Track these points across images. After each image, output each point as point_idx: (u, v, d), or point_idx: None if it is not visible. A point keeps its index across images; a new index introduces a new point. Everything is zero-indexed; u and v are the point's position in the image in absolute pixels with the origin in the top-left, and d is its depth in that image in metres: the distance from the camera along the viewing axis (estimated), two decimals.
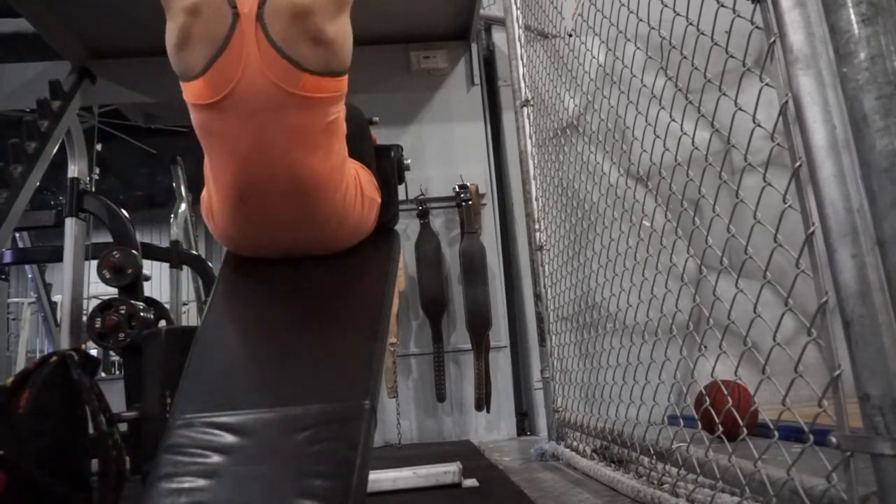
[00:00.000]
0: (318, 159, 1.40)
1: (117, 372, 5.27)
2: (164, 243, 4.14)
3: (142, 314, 2.47)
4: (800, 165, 0.92)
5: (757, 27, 1.04)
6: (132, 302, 2.48)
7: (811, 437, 0.98)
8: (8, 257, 3.79)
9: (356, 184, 1.55)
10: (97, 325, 2.41)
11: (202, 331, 1.41)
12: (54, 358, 1.60)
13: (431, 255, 3.44)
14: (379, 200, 1.67)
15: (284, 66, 1.30)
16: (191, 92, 1.35)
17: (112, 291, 2.62)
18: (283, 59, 1.30)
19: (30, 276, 6.24)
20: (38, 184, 2.83)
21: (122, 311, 2.44)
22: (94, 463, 1.65)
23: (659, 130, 1.60)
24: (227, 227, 1.48)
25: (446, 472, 2.01)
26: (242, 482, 1.07)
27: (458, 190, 3.49)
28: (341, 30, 1.37)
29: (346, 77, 1.42)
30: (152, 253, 3.72)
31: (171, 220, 4.09)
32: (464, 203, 3.44)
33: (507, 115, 3.70)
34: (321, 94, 1.36)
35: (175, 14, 1.32)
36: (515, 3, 3.04)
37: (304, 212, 1.45)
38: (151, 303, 2.67)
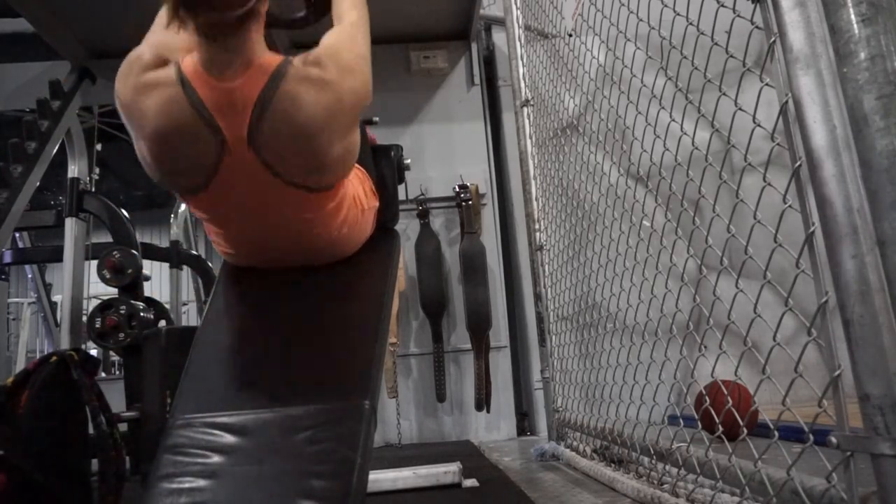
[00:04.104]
0: (321, 224, 1.37)
1: (117, 372, 5.27)
2: (164, 243, 4.14)
3: (142, 314, 2.47)
4: (800, 165, 0.92)
5: (757, 27, 1.04)
6: (132, 302, 2.49)
7: (811, 437, 0.98)
8: (8, 257, 3.79)
9: (356, 204, 1.47)
10: (97, 325, 2.41)
11: (202, 331, 1.40)
12: (54, 358, 1.60)
13: (431, 255, 3.44)
14: (377, 204, 1.63)
15: (285, 188, 1.21)
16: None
17: (112, 291, 2.62)
18: (285, 184, 1.20)
19: (30, 276, 6.25)
20: (38, 184, 2.83)
21: (122, 311, 2.44)
22: (94, 463, 1.65)
23: (659, 130, 1.60)
24: (226, 249, 1.46)
25: (446, 472, 2.01)
26: (242, 482, 1.07)
27: (458, 190, 3.49)
28: (349, 149, 1.24)
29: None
30: (152, 253, 3.72)
31: (171, 220, 4.09)
32: (464, 203, 3.44)
33: (507, 115, 3.70)
34: (326, 199, 1.31)
35: (146, 138, 1.15)
36: (515, 3, 3.04)
37: (305, 253, 1.45)
38: (151, 303, 2.67)
